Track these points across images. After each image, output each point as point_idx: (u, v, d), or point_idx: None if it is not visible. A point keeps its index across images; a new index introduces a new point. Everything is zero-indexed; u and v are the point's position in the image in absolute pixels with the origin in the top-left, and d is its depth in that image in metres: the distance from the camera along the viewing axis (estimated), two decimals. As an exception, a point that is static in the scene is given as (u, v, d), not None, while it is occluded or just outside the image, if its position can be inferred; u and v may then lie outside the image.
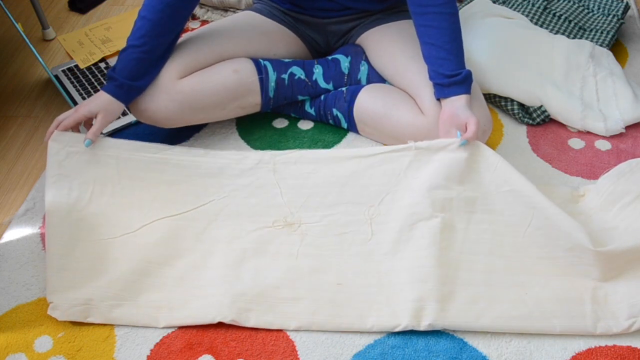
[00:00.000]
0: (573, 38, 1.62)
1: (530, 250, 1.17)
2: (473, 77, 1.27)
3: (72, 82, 1.65)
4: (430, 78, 1.28)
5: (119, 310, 1.13)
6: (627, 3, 1.73)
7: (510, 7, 1.72)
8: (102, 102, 1.28)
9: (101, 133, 1.49)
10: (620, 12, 1.69)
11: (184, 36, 1.42)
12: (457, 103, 1.24)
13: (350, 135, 1.47)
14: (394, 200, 1.23)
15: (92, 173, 1.25)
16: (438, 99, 1.28)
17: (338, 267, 1.18)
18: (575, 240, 1.12)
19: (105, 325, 1.13)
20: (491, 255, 1.17)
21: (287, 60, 1.46)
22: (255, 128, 1.51)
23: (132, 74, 1.28)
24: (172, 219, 1.24)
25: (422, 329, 1.09)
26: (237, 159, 1.33)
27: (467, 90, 1.25)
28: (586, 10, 1.72)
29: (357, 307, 1.12)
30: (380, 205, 1.23)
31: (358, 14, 1.48)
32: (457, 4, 1.78)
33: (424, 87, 1.31)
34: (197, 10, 1.91)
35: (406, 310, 1.10)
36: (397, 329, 1.10)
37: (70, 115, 1.27)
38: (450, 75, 1.24)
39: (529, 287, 1.13)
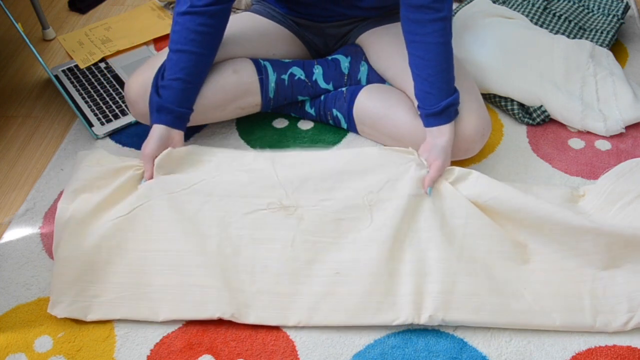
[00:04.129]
0: (573, 38, 1.62)
1: (527, 248, 1.17)
2: (458, 99, 1.26)
3: (72, 82, 1.65)
4: (417, 107, 1.29)
5: (118, 305, 1.12)
6: (627, 3, 1.73)
7: (510, 7, 1.72)
8: (162, 138, 1.26)
9: (104, 135, 1.50)
10: (620, 12, 1.69)
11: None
12: (437, 141, 1.24)
13: (350, 136, 1.47)
14: (394, 188, 1.21)
15: (95, 175, 1.26)
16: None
17: (336, 256, 1.16)
18: (573, 225, 1.13)
19: (105, 325, 1.13)
20: (490, 253, 1.16)
21: (287, 60, 1.46)
22: (255, 128, 1.51)
23: (184, 102, 1.28)
24: (165, 200, 1.21)
25: (421, 322, 1.09)
26: (233, 156, 1.31)
27: (446, 121, 1.25)
28: (586, 10, 1.72)
29: (355, 301, 1.12)
30: (380, 192, 1.21)
31: (355, 18, 1.47)
32: (457, 4, 1.78)
33: (423, 88, 1.32)
34: (197, 10, 1.90)
35: (405, 303, 1.10)
36: (396, 322, 1.09)
37: (146, 169, 1.26)
38: (428, 109, 1.25)
39: (527, 283, 1.13)
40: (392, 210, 1.18)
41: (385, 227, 1.17)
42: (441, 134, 1.25)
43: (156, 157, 1.24)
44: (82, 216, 1.19)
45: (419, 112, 1.29)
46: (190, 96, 1.30)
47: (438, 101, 1.24)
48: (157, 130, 1.26)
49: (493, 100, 1.53)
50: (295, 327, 1.12)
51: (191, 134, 1.48)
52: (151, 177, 1.24)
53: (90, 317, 1.12)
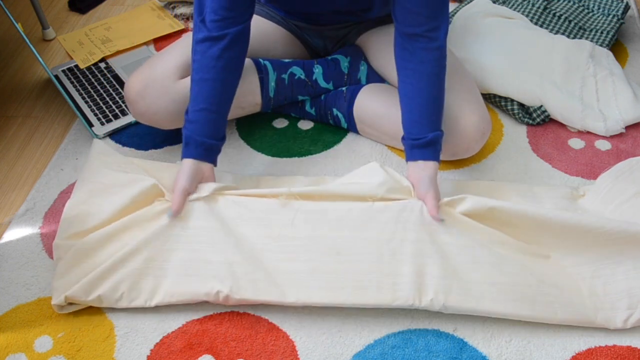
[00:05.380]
0: (573, 38, 1.62)
1: (524, 251, 1.17)
2: (442, 140, 1.22)
3: (72, 82, 1.65)
4: (401, 137, 1.26)
5: (120, 281, 1.12)
6: (627, 3, 1.73)
7: (510, 7, 1.72)
8: (193, 173, 1.21)
9: (104, 135, 1.50)
10: (620, 12, 1.69)
11: (183, 36, 1.42)
12: (422, 173, 1.20)
13: (350, 136, 1.47)
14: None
15: (113, 181, 1.26)
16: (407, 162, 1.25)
17: (337, 235, 1.16)
18: (572, 227, 1.13)
19: (105, 325, 1.13)
20: (491, 247, 1.16)
21: (287, 60, 1.46)
22: (256, 128, 1.51)
23: (214, 134, 1.23)
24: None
25: (422, 304, 1.08)
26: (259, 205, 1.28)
27: (431, 156, 1.20)
28: (586, 10, 1.72)
29: (355, 279, 1.11)
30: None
31: (355, 22, 1.47)
32: (457, 4, 1.78)
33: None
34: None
35: (406, 284, 1.09)
36: (396, 303, 1.09)
37: (175, 202, 1.18)
38: (414, 138, 1.21)
39: (530, 275, 1.12)
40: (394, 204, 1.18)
41: (387, 209, 1.17)
42: (427, 167, 1.20)
43: (189, 191, 1.19)
44: (89, 226, 1.19)
45: (403, 144, 1.25)
46: (218, 126, 1.24)
47: (425, 132, 1.21)
48: (187, 165, 1.20)
49: (493, 100, 1.53)
50: (295, 327, 1.12)
51: (191, 134, 1.48)
52: (178, 211, 1.17)
53: (92, 296, 1.12)
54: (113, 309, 1.15)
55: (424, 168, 1.20)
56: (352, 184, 1.23)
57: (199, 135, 1.21)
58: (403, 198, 1.19)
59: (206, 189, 1.20)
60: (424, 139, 1.20)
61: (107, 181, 1.26)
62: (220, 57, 1.21)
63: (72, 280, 1.13)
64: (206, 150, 1.22)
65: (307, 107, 1.49)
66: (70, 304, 1.13)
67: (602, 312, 1.09)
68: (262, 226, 1.18)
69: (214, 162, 1.24)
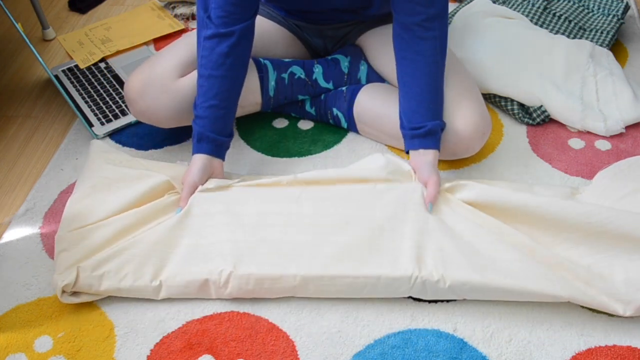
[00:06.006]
0: (573, 38, 1.62)
1: (523, 239, 1.18)
2: (441, 130, 1.24)
3: (72, 82, 1.65)
4: (400, 126, 1.27)
5: (124, 265, 1.13)
6: (627, 3, 1.73)
7: (510, 7, 1.72)
8: (205, 168, 1.24)
9: (104, 135, 1.50)
10: (620, 12, 1.69)
11: (183, 36, 1.42)
12: (424, 158, 1.22)
13: (350, 135, 1.47)
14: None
15: (119, 176, 1.27)
16: (407, 152, 1.27)
17: (340, 213, 1.18)
18: (569, 219, 1.14)
19: (105, 325, 1.13)
20: (489, 238, 1.17)
21: (287, 59, 1.46)
22: (255, 128, 1.51)
23: (223, 130, 1.25)
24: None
25: (422, 274, 1.09)
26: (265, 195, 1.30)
27: (431, 145, 1.23)
28: (586, 10, 1.72)
29: (357, 253, 1.13)
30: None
31: (355, 21, 1.47)
32: (457, 4, 1.78)
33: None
34: (197, 10, 1.91)
35: (407, 256, 1.11)
36: (397, 273, 1.10)
37: (184, 197, 1.22)
38: (414, 127, 1.23)
39: (531, 257, 1.12)
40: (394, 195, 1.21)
41: (389, 190, 1.20)
42: (427, 154, 1.23)
43: (198, 186, 1.22)
44: (94, 219, 1.20)
45: (402, 133, 1.26)
46: (227, 123, 1.26)
47: (424, 121, 1.22)
48: (200, 161, 1.23)
49: (493, 100, 1.53)
50: (295, 327, 1.12)
51: (191, 134, 1.48)
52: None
53: (98, 272, 1.12)
54: (113, 308, 1.15)
55: (424, 154, 1.23)
56: (355, 169, 1.26)
57: (210, 132, 1.24)
58: (404, 181, 1.22)
59: (214, 183, 1.24)
60: (423, 128, 1.22)
61: (112, 176, 1.27)
62: (229, 55, 1.23)
63: (74, 267, 1.13)
64: (217, 146, 1.25)
65: (307, 107, 1.49)
66: (74, 293, 1.14)
67: (599, 298, 1.08)
68: (267, 204, 1.21)
69: (223, 157, 1.28)
